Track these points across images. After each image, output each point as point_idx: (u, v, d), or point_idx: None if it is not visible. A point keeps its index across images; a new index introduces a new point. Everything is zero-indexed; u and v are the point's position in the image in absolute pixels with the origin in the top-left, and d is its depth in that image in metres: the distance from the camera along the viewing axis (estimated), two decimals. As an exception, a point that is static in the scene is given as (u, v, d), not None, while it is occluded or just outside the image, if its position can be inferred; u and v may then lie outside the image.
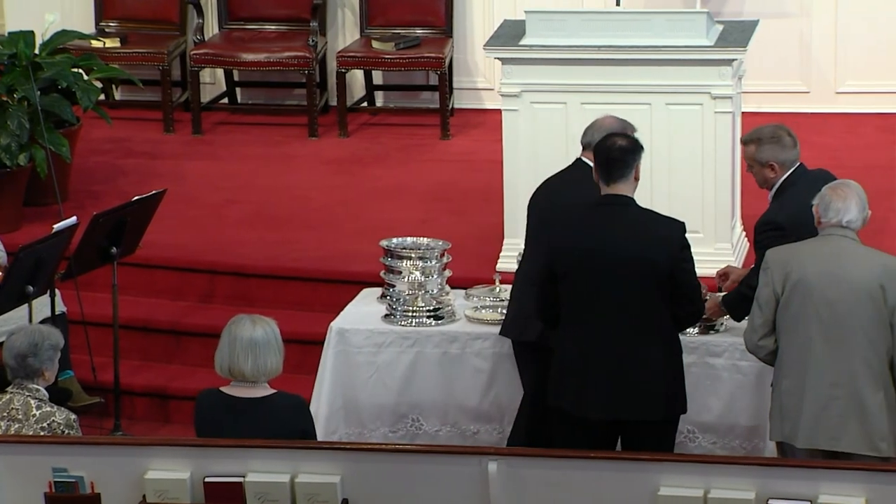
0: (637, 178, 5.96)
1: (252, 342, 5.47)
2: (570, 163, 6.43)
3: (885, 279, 5.72)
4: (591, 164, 6.18)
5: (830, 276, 5.74)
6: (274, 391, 5.55)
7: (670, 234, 5.88)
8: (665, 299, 5.87)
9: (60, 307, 7.20)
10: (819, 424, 5.72)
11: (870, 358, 5.72)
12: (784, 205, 6.20)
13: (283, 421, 5.47)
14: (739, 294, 6.24)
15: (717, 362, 6.46)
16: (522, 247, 7.00)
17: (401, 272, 6.81)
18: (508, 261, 7.24)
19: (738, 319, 6.33)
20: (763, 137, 6.28)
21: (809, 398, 5.73)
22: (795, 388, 5.77)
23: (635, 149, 5.93)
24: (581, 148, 6.41)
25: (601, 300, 5.86)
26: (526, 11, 7.33)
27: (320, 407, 6.63)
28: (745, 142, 6.37)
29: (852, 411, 5.70)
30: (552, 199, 6.31)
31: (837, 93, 9.12)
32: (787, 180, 6.26)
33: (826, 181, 6.03)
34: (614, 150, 5.91)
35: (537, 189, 6.45)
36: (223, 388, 5.57)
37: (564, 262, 5.91)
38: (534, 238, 6.36)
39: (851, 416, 5.70)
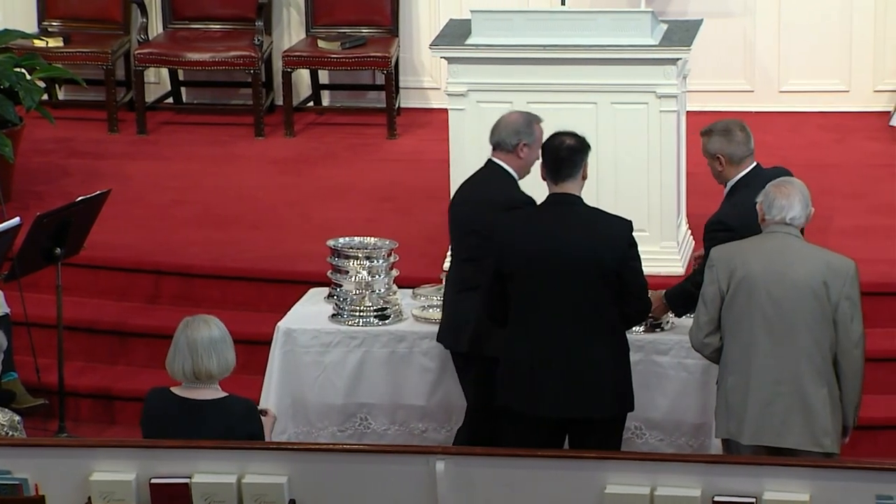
0: (585, 177, 5.98)
1: (212, 341, 5.47)
2: (483, 164, 6.36)
3: (828, 276, 5.76)
4: (503, 163, 6.21)
5: (775, 273, 5.77)
6: (225, 394, 5.54)
7: (618, 232, 5.91)
8: (613, 298, 5.89)
9: (4, 308, 7.14)
10: (763, 421, 5.75)
11: (813, 354, 5.76)
12: (735, 204, 6.22)
13: (233, 424, 5.45)
14: (683, 290, 6.27)
15: (663, 360, 6.49)
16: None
17: (348, 272, 6.80)
18: (455, 260, 7.24)
19: (679, 315, 6.36)
20: (714, 130, 6.31)
21: (754, 395, 5.76)
22: (740, 386, 5.80)
23: (583, 148, 5.95)
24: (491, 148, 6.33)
25: (549, 300, 5.88)
26: (471, 11, 7.34)
27: (268, 406, 6.60)
28: (700, 133, 6.37)
29: (796, 408, 5.74)
30: (466, 203, 6.29)
31: (781, 92, 9.18)
32: (741, 180, 6.25)
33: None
34: (563, 149, 5.92)
35: (454, 194, 6.43)
36: (173, 389, 5.55)
37: (513, 262, 5.92)
38: (456, 244, 6.34)
39: (795, 412, 5.74)
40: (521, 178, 6.32)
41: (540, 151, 6.04)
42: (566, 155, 5.92)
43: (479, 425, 6.30)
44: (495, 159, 6.32)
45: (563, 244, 5.86)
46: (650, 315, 6.27)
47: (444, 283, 6.87)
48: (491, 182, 6.26)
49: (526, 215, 5.99)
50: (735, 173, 6.27)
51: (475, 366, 6.27)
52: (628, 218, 5.99)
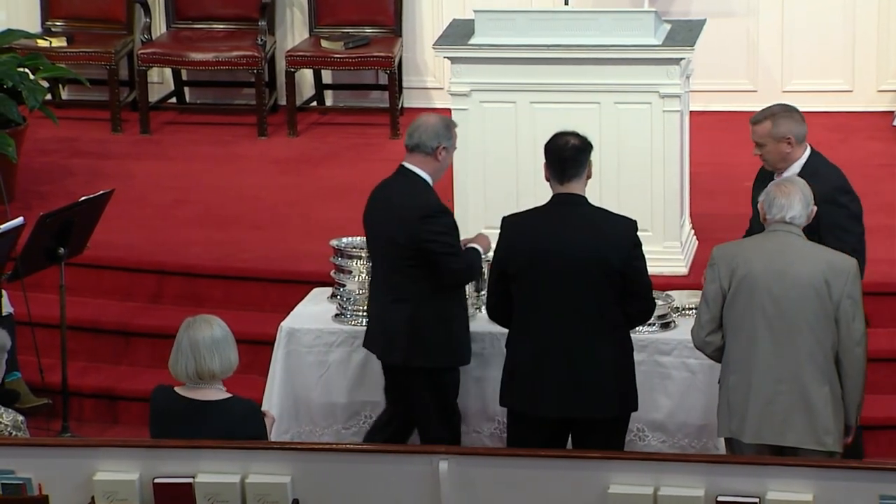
0: (589, 176, 5.99)
1: (214, 341, 5.48)
2: (396, 170, 6.30)
3: (829, 275, 5.77)
4: (416, 168, 6.18)
5: (776, 271, 5.78)
6: (229, 395, 5.54)
7: (623, 232, 5.91)
8: (617, 298, 5.89)
9: (7, 308, 7.15)
10: (765, 419, 5.76)
11: (815, 353, 5.76)
12: (830, 175, 6.22)
13: (236, 425, 5.45)
14: None
15: (666, 360, 6.49)
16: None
17: (351, 271, 6.80)
18: (458, 260, 7.24)
19: None
20: (777, 112, 6.34)
21: (755, 393, 5.77)
22: (742, 384, 5.80)
23: (587, 147, 5.96)
24: (407, 151, 6.25)
25: (553, 300, 5.88)
26: (475, 11, 7.34)
27: (272, 407, 6.61)
28: (756, 121, 6.35)
29: (798, 406, 5.74)
30: (379, 210, 6.26)
31: (784, 91, 9.18)
32: (812, 160, 6.27)
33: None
34: (567, 149, 5.92)
35: (367, 201, 6.36)
36: (177, 389, 5.55)
37: (517, 262, 5.92)
38: (373, 251, 6.34)
39: (797, 410, 5.74)
40: (435, 181, 6.28)
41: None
42: (571, 155, 5.92)
43: (430, 429, 6.25)
44: (408, 164, 6.26)
45: (568, 244, 5.86)
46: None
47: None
48: (405, 189, 6.21)
49: (531, 215, 5.99)
50: (800, 154, 6.28)
51: (406, 378, 6.24)
52: (632, 218, 5.99)
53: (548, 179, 5.99)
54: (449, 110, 7.40)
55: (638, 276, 5.91)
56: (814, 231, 5.98)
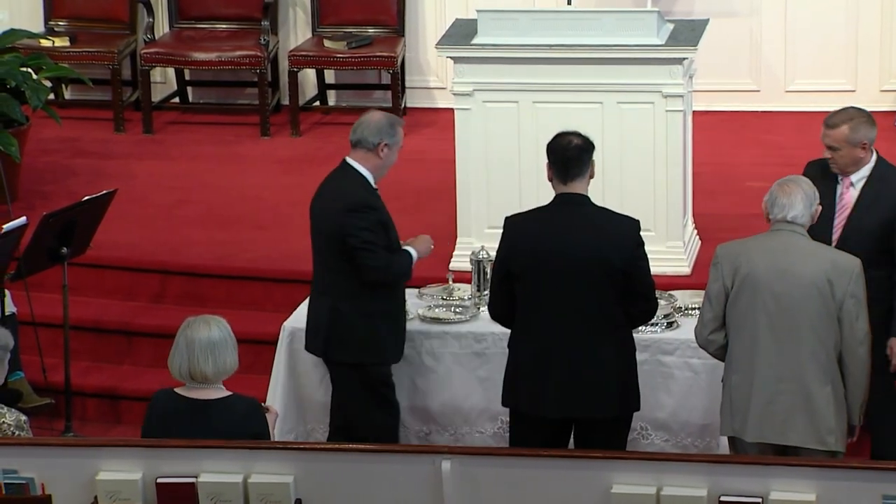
0: (592, 176, 5.99)
1: (210, 343, 5.46)
2: (338, 165, 6.36)
3: (832, 274, 5.76)
4: (357, 164, 6.24)
5: (779, 270, 5.78)
6: (229, 393, 5.54)
7: (626, 232, 5.91)
8: (619, 298, 5.89)
9: (10, 308, 7.15)
10: (767, 418, 5.75)
11: (817, 352, 5.76)
12: None
13: (238, 423, 5.45)
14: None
15: (668, 360, 6.49)
16: (474, 244, 7.02)
17: (353, 271, 6.79)
18: (461, 260, 7.24)
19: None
20: (854, 117, 6.32)
21: (757, 392, 5.77)
22: (744, 383, 5.80)
23: (590, 147, 5.96)
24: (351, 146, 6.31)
25: (555, 299, 5.88)
26: (477, 10, 7.34)
27: (274, 406, 6.60)
28: (833, 125, 6.31)
29: (799, 405, 5.74)
30: (317, 202, 6.31)
31: (787, 91, 9.17)
32: (879, 165, 6.28)
33: None
34: (570, 148, 5.92)
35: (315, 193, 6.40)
36: (177, 389, 5.55)
37: (520, 261, 5.92)
38: (312, 243, 6.37)
39: (798, 409, 5.74)
40: (377, 178, 6.31)
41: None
42: (574, 154, 5.92)
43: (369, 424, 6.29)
44: (350, 160, 6.32)
45: (571, 244, 5.86)
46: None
47: (449, 281, 6.87)
48: (343, 183, 6.26)
49: (534, 215, 5.99)
50: (869, 158, 6.29)
51: (342, 369, 6.27)
52: (636, 217, 5.99)
53: (550, 180, 5.99)
54: (451, 110, 7.40)
55: (641, 276, 5.90)
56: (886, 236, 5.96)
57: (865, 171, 6.33)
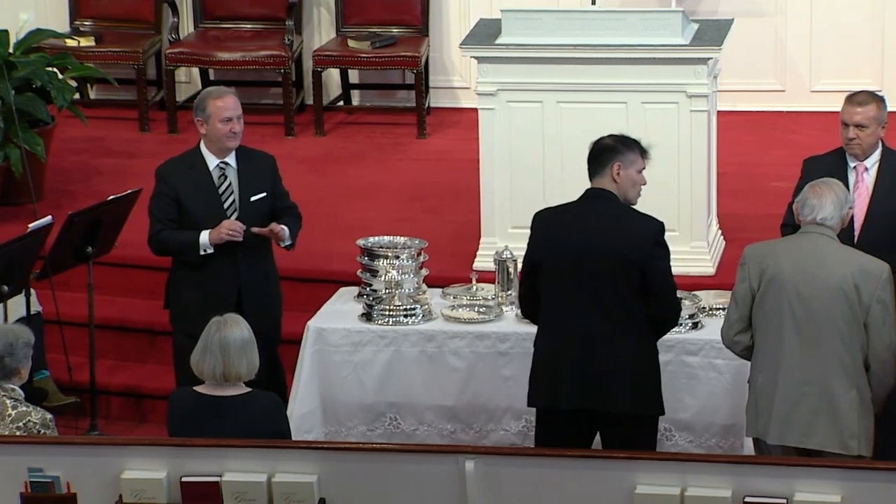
0: (615, 178, 5.95)
1: (243, 343, 5.50)
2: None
3: (860, 278, 5.74)
4: (205, 148, 6.55)
5: (805, 273, 5.76)
6: (248, 389, 5.55)
7: (645, 230, 5.91)
8: (638, 296, 5.88)
9: (36, 307, 7.17)
10: (790, 421, 5.74)
11: (843, 356, 5.74)
12: None
13: (259, 419, 5.47)
14: None
15: (693, 360, 6.48)
16: (498, 244, 7.02)
17: (377, 271, 6.81)
18: (485, 259, 7.24)
19: None
20: (877, 97, 6.30)
21: (781, 394, 5.75)
22: (768, 385, 5.79)
23: (618, 147, 5.96)
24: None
25: (574, 291, 5.89)
26: (502, 10, 7.34)
27: (298, 405, 6.62)
28: (863, 102, 6.31)
29: (823, 409, 5.72)
30: (170, 184, 6.59)
31: (812, 91, 9.15)
32: (885, 149, 6.27)
33: None
34: (596, 147, 5.99)
35: None
36: (197, 388, 5.56)
37: (541, 252, 5.95)
38: None
39: (822, 413, 5.72)
40: (210, 149, 6.59)
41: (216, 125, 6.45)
42: (596, 152, 5.99)
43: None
44: (202, 144, 6.70)
45: (590, 237, 5.89)
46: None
47: (472, 280, 6.88)
48: (191, 168, 6.68)
49: (559, 208, 6.04)
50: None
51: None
52: (660, 220, 5.98)
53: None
54: (475, 110, 7.40)
55: (659, 276, 5.89)
56: None
57: (876, 155, 6.33)
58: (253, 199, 6.60)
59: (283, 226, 6.58)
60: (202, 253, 6.53)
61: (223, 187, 6.61)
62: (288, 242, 6.65)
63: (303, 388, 6.66)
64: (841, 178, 6.20)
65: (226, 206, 6.60)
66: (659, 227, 5.94)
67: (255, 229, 6.56)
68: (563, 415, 5.91)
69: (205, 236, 6.52)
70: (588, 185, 6.05)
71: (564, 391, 5.87)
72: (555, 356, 5.91)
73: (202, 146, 6.63)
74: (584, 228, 5.90)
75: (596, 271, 5.85)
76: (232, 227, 6.51)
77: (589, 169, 5.99)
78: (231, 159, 6.64)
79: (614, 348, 5.86)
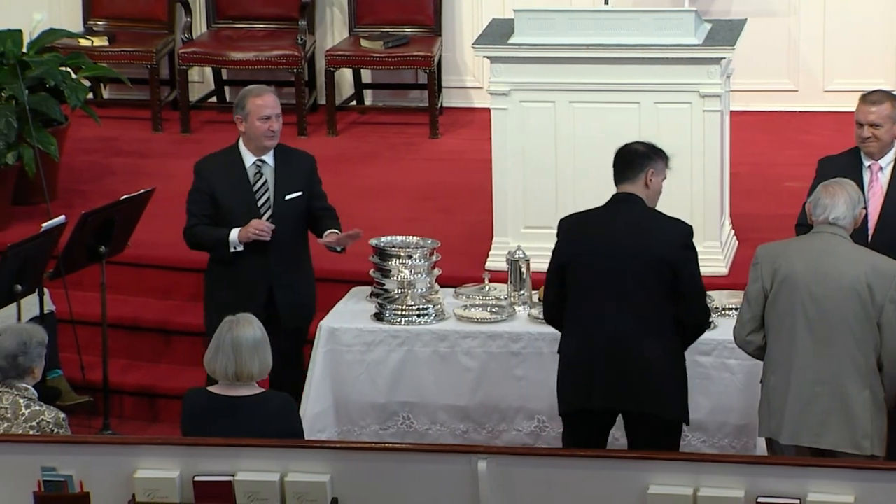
0: (649, 185, 5.96)
1: (255, 342, 5.50)
2: None
3: (872, 278, 5.73)
4: (243, 145, 6.63)
5: (818, 273, 5.75)
6: (262, 389, 5.55)
7: (674, 230, 5.93)
8: (665, 297, 5.88)
9: (49, 306, 7.19)
10: (802, 421, 5.73)
11: (856, 356, 5.73)
12: None
13: (272, 420, 5.47)
14: None
15: (706, 360, 6.47)
16: (511, 244, 7.02)
17: (390, 271, 6.81)
18: (498, 259, 7.24)
19: None
20: (894, 97, 6.29)
21: (793, 394, 5.74)
22: (781, 385, 5.78)
23: (649, 154, 5.97)
24: None
25: (603, 291, 5.89)
26: (514, 10, 7.33)
27: (311, 405, 6.63)
28: (877, 101, 6.31)
29: (835, 409, 5.71)
30: (206, 179, 6.65)
31: (825, 91, 9.13)
32: None
33: None
34: (627, 152, 6.00)
35: None
36: (210, 388, 5.57)
37: (568, 253, 5.96)
38: None
39: (834, 413, 5.71)
40: (248, 146, 6.60)
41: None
42: (628, 158, 5.99)
43: None
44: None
45: (619, 237, 5.89)
46: None
47: (485, 280, 6.88)
48: None
49: (586, 212, 6.05)
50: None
51: None
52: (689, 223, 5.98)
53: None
54: (488, 109, 7.40)
55: (688, 278, 5.89)
56: None
57: (891, 154, 6.32)
58: (288, 197, 6.60)
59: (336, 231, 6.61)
60: (232, 250, 6.53)
61: (258, 185, 6.62)
62: (341, 247, 6.68)
63: (315, 387, 6.66)
64: (856, 178, 6.19)
65: (260, 203, 6.60)
66: (689, 231, 5.96)
67: (320, 241, 6.63)
68: (592, 415, 5.90)
69: (234, 234, 6.54)
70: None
71: (595, 391, 5.87)
72: (584, 357, 5.90)
73: (240, 143, 6.66)
74: (614, 229, 5.90)
75: (626, 272, 5.85)
76: (259, 227, 6.52)
77: (618, 174, 5.97)
78: (268, 157, 6.64)
79: (643, 349, 5.85)
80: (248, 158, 6.64)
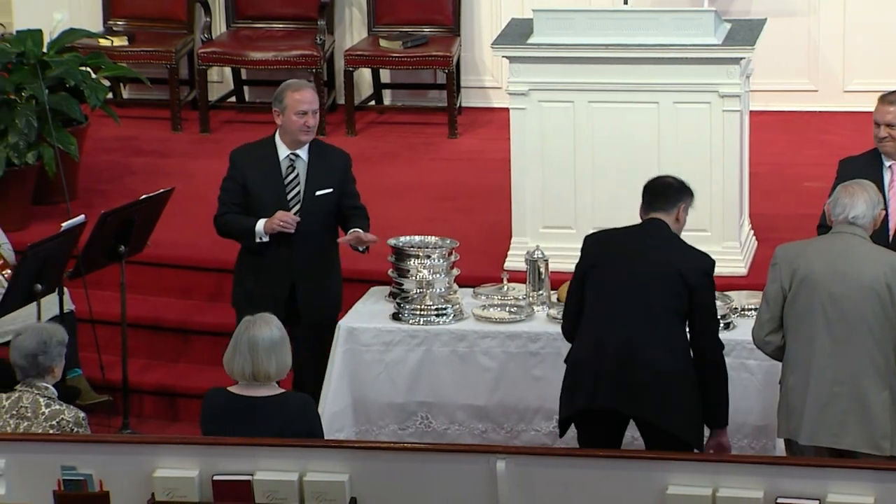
0: (679, 221, 5.99)
1: (272, 342, 5.50)
2: None
3: (892, 278, 5.72)
4: (279, 138, 6.65)
5: (837, 273, 5.74)
6: (282, 390, 5.56)
7: (698, 259, 5.95)
8: (680, 317, 5.87)
9: (69, 305, 7.21)
10: (821, 421, 5.72)
11: (875, 356, 5.71)
12: None
13: (291, 420, 5.48)
14: None
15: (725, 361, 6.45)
16: (529, 244, 7.02)
17: (409, 271, 6.81)
18: (516, 259, 7.24)
19: None
20: None
21: (812, 395, 5.73)
22: (800, 385, 5.77)
23: (683, 191, 6.01)
24: None
25: (621, 298, 5.88)
26: (533, 10, 7.33)
27: (329, 404, 6.63)
28: (894, 101, 6.32)
29: (854, 409, 5.70)
30: (239, 168, 6.69)
31: (845, 91, 9.11)
32: None
33: None
34: (661, 183, 6.04)
35: None
36: (230, 388, 5.58)
37: (591, 259, 5.97)
38: None
39: (853, 413, 5.70)
40: (283, 140, 6.66)
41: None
42: (662, 189, 6.01)
43: None
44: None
45: (644, 250, 5.92)
46: None
47: (504, 280, 6.88)
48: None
49: (612, 230, 6.08)
50: None
51: None
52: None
53: (641, 213, 6.04)
54: (507, 109, 7.40)
55: (702, 301, 5.87)
56: None
57: None
58: (318, 193, 6.62)
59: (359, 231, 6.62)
60: (257, 241, 6.56)
61: (290, 178, 6.64)
62: (363, 247, 6.68)
63: (334, 386, 6.67)
64: (876, 178, 6.18)
65: (289, 197, 6.63)
66: (711, 262, 5.98)
67: (341, 240, 6.64)
68: (600, 415, 5.90)
69: (260, 225, 6.59)
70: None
71: (602, 392, 5.86)
72: (592, 359, 5.88)
73: (277, 136, 6.69)
74: (639, 243, 5.94)
75: (646, 284, 5.86)
76: (284, 219, 6.55)
77: (650, 203, 5.99)
78: (303, 152, 6.67)
79: (654, 357, 5.84)
80: (283, 151, 6.66)
